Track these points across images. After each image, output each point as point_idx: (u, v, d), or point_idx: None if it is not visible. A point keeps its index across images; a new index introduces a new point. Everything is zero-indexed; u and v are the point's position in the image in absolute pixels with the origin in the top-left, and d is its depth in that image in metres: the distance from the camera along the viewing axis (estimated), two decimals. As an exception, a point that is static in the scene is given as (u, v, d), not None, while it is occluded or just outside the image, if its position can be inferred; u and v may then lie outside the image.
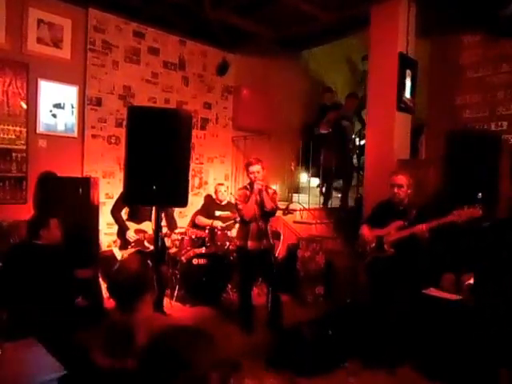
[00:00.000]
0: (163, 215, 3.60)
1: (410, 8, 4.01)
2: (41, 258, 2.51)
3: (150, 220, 3.47)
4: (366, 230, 2.96)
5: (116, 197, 3.77)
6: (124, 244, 3.44)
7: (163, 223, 3.70)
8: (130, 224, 3.48)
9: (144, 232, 3.48)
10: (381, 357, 2.68)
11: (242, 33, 4.97)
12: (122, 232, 3.45)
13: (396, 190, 2.81)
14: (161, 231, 3.54)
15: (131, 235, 3.41)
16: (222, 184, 4.71)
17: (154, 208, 3.09)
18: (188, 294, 3.94)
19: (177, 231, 3.78)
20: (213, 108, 5.30)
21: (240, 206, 3.26)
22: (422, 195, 3.57)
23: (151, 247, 3.42)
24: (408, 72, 4.06)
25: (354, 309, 3.11)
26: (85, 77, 4.20)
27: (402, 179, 2.83)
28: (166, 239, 3.66)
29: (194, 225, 4.56)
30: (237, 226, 3.83)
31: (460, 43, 4.54)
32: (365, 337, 2.76)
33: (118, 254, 3.45)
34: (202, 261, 4.02)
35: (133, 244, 3.43)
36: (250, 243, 3.23)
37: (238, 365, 0.77)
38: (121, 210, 3.49)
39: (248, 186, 3.33)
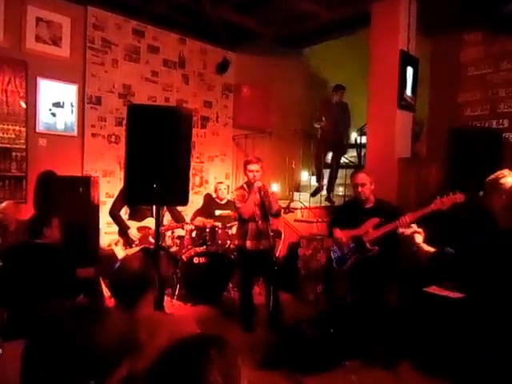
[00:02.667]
0: (167, 211, 3.59)
1: (410, 6, 4.00)
2: (42, 257, 2.50)
3: (153, 216, 3.46)
4: (339, 233, 2.91)
5: (114, 196, 3.74)
6: (128, 242, 3.42)
7: (169, 218, 3.71)
8: (131, 223, 3.46)
9: (148, 228, 3.47)
10: (381, 355, 2.67)
11: (242, 31, 4.95)
12: (123, 231, 3.44)
13: (360, 189, 2.83)
14: (162, 226, 3.56)
15: (134, 233, 3.40)
16: (221, 182, 4.71)
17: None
18: (189, 292, 3.93)
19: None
20: (213, 106, 5.29)
21: (239, 205, 3.23)
22: (423, 193, 3.56)
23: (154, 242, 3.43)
24: (409, 69, 4.04)
25: (354, 307, 3.09)
26: (84, 75, 4.19)
27: (363, 177, 2.85)
28: (169, 232, 3.70)
29: (197, 226, 4.51)
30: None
31: (461, 41, 4.52)
32: (365, 335, 2.75)
33: (121, 254, 3.43)
34: (202, 259, 4.01)
35: (137, 242, 3.42)
36: (248, 243, 3.22)
37: (222, 340, 0.75)
38: (120, 210, 3.46)
39: (245, 185, 3.31)
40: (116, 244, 3.57)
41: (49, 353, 0.75)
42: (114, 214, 3.43)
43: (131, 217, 3.52)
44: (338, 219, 3.04)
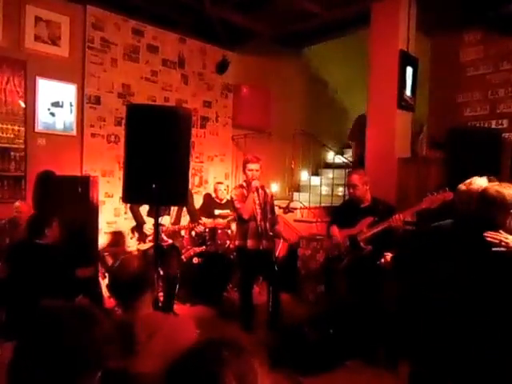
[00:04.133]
0: (185, 210, 3.62)
1: (410, 6, 4.00)
2: (42, 258, 2.50)
3: (169, 214, 3.49)
4: (336, 232, 2.94)
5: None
6: (141, 237, 3.46)
7: (184, 217, 3.70)
8: (148, 219, 3.48)
9: (162, 226, 3.47)
10: (382, 355, 2.67)
11: (242, 31, 4.95)
12: (139, 226, 3.47)
13: (351, 190, 2.87)
14: (179, 226, 3.56)
15: (148, 228, 3.42)
16: (221, 183, 4.70)
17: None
18: (188, 292, 3.93)
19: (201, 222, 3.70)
20: (212, 106, 5.28)
21: (238, 205, 3.23)
22: (423, 193, 3.55)
23: (169, 241, 3.46)
24: (409, 69, 4.05)
25: (354, 307, 3.09)
26: (83, 75, 4.18)
27: (354, 179, 2.86)
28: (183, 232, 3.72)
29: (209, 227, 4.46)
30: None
31: (461, 41, 4.53)
32: (365, 335, 2.75)
33: (133, 247, 3.47)
34: (202, 259, 4.01)
35: (150, 238, 3.43)
36: (249, 243, 3.21)
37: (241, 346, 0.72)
38: (140, 205, 3.50)
39: (244, 184, 3.31)
40: (131, 238, 3.58)
41: (39, 351, 0.76)
42: (133, 208, 3.49)
43: (150, 213, 3.53)
44: (337, 218, 3.06)
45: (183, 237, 4.18)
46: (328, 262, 3.06)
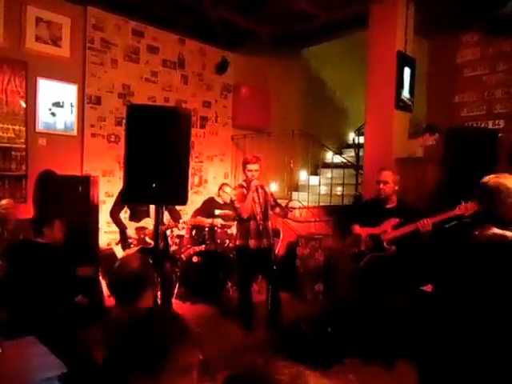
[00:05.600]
0: (166, 210, 3.60)
1: (408, 7, 4.03)
2: (41, 256, 2.52)
3: (149, 216, 3.47)
4: (359, 230, 2.92)
5: (115, 197, 3.75)
6: (125, 244, 3.44)
7: (167, 217, 3.70)
8: (130, 224, 3.48)
9: (144, 229, 3.49)
10: (379, 353, 2.69)
11: (241, 31, 4.98)
12: (121, 232, 3.46)
13: (382, 186, 2.82)
14: (163, 225, 3.54)
15: (131, 233, 3.43)
16: (228, 185, 4.52)
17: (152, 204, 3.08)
18: (188, 291, 3.96)
19: (181, 221, 3.68)
20: (212, 106, 5.31)
21: (237, 205, 3.25)
22: (420, 193, 3.59)
23: (153, 243, 3.42)
24: (406, 70, 4.08)
25: (353, 306, 3.12)
26: (84, 75, 4.20)
27: (387, 175, 2.84)
28: (168, 232, 3.68)
29: (192, 225, 4.51)
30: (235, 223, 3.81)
31: (458, 42, 4.56)
32: (363, 333, 2.77)
33: (120, 253, 3.45)
34: (201, 258, 4.03)
35: (134, 242, 3.44)
36: (251, 242, 3.23)
37: None
38: (119, 211, 3.48)
39: (244, 184, 3.33)
40: (116, 243, 3.58)
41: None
42: (113, 214, 3.46)
43: (131, 218, 3.54)
44: (357, 217, 3.00)
45: (183, 236, 4.21)
46: (329, 261, 3.04)
